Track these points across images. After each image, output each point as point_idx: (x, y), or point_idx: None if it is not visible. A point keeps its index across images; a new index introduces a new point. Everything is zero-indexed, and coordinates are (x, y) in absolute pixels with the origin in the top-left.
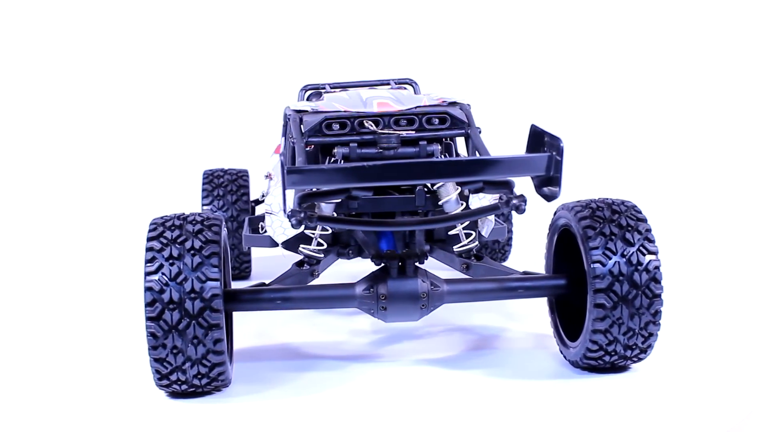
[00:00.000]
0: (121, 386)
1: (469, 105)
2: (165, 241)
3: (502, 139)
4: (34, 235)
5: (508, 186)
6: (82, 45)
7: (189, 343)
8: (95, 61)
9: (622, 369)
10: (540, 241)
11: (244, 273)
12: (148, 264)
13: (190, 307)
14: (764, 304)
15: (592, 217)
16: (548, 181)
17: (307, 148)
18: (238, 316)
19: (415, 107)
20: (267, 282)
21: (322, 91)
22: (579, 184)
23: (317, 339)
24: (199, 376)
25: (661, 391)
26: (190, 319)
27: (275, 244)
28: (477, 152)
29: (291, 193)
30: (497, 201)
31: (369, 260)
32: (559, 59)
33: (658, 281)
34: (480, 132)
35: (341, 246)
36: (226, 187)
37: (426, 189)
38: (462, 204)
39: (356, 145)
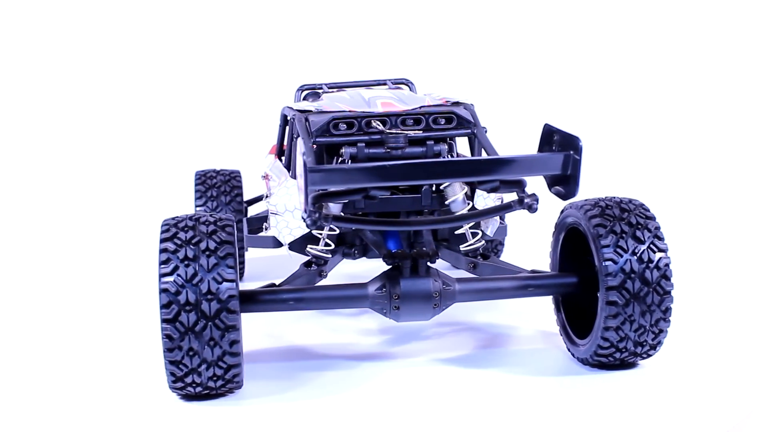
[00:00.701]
0: (131, 389)
1: (472, 105)
2: (179, 242)
3: (500, 139)
4: (24, 238)
5: (520, 185)
6: (74, 45)
7: (205, 345)
8: (84, 61)
9: (630, 365)
10: (528, 239)
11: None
12: (163, 265)
13: (207, 309)
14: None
15: (602, 215)
16: (561, 180)
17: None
18: (244, 317)
19: (420, 107)
20: (277, 283)
21: (319, 91)
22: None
23: (326, 339)
24: (215, 378)
25: (663, 390)
26: (206, 321)
27: (279, 245)
28: (484, 152)
29: (290, 193)
30: (501, 200)
31: (369, 260)
32: (553, 58)
33: (668, 278)
34: (486, 131)
35: (347, 246)
36: (220, 188)
37: (432, 189)
38: (468, 203)
39: (364, 144)
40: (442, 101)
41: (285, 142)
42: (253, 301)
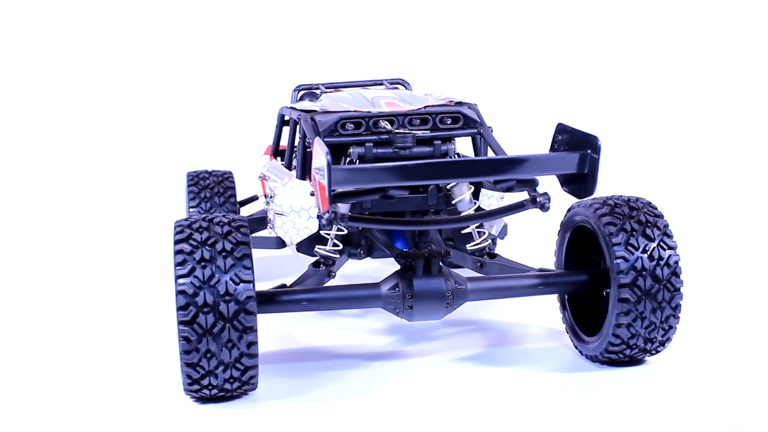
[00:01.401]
0: (144, 392)
1: (476, 104)
2: (195, 243)
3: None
4: (23, 238)
5: (532, 184)
6: (67, 46)
7: (223, 347)
8: (77, 62)
9: (637, 362)
10: (522, 237)
11: None
12: (179, 267)
13: (225, 310)
14: None
15: (612, 213)
16: (575, 179)
17: (309, 149)
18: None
19: (423, 107)
20: (287, 283)
21: (317, 91)
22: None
23: (336, 339)
24: (231, 380)
25: (666, 389)
26: (224, 323)
27: (282, 246)
28: (491, 151)
29: (295, 193)
30: (502, 198)
31: (368, 260)
32: (549, 58)
33: (678, 275)
34: (492, 131)
35: (352, 246)
36: (213, 189)
37: (438, 188)
38: (474, 203)
39: (372, 144)
40: (445, 101)
41: (283, 143)
42: (270, 302)
